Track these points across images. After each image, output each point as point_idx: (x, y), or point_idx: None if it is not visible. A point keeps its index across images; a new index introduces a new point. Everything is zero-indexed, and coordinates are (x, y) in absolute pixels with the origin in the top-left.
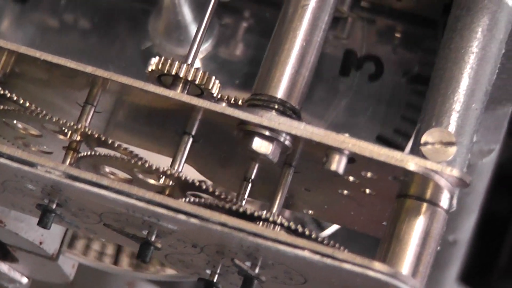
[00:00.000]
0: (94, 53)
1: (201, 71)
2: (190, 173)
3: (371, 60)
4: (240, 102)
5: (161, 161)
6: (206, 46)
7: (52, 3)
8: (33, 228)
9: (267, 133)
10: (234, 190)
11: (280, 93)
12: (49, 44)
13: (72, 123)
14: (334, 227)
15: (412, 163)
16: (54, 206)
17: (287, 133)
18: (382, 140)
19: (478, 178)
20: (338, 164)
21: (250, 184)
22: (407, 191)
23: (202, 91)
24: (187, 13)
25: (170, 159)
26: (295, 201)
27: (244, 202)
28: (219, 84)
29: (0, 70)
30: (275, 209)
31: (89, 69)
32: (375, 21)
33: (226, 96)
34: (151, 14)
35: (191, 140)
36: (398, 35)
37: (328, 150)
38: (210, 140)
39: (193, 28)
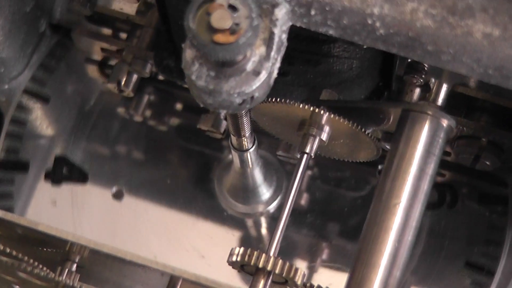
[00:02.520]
0: (147, 184)
1: (286, 265)
2: None
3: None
4: None
5: None
6: (277, 202)
7: (104, 132)
8: None
9: None
10: None
11: None
12: (100, 169)
13: None
14: None
15: None
16: None
17: None
18: (472, 266)
19: None
20: None
21: None
22: None
23: (286, 280)
24: (258, 177)
25: None
26: None
27: None
28: (303, 273)
29: (77, 254)
30: None
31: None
32: (444, 175)
33: (308, 284)
34: (210, 161)
35: None
36: (466, 189)
37: None
38: None
39: (261, 189)
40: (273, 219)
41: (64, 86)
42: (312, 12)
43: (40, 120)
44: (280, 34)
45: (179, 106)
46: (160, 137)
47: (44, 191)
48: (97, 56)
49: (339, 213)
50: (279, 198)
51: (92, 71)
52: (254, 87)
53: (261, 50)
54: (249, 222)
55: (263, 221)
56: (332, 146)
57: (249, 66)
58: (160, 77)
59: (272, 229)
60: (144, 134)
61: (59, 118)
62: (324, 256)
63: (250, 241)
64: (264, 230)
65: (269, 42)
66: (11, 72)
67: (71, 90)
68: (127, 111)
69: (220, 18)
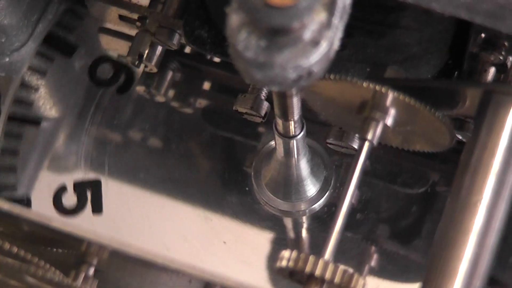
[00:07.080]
0: (168, 176)
1: (347, 273)
2: None
3: None
4: None
5: None
6: (323, 200)
7: (117, 115)
8: None
9: None
10: None
11: None
12: (110, 157)
13: None
14: None
15: None
16: None
17: None
18: None
19: None
20: None
21: None
22: None
23: None
24: (304, 170)
25: None
26: None
27: None
28: (363, 282)
29: (95, 256)
30: None
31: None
32: None
33: None
34: (243, 149)
35: None
36: None
37: None
38: None
39: (307, 184)
40: (318, 219)
41: (72, 61)
42: None
43: (43, 100)
44: None
45: (207, 85)
46: (185, 121)
47: (47, 180)
48: (113, 25)
49: (392, 213)
50: (326, 195)
51: (107, 42)
52: (312, 61)
53: (321, 16)
54: (290, 222)
55: (306, 221)
56: (395, 133)
57: (307, 36)
58: (187, 50)
59: (316, 231)
60: (166, 117)
61: (64, 97)
62: (373, 262)
63: (289, 244)
64: (306, 232)
65: (331, 7)
66: (13, 42)
67: (79, 65)
68: (147, 89)
69: None
